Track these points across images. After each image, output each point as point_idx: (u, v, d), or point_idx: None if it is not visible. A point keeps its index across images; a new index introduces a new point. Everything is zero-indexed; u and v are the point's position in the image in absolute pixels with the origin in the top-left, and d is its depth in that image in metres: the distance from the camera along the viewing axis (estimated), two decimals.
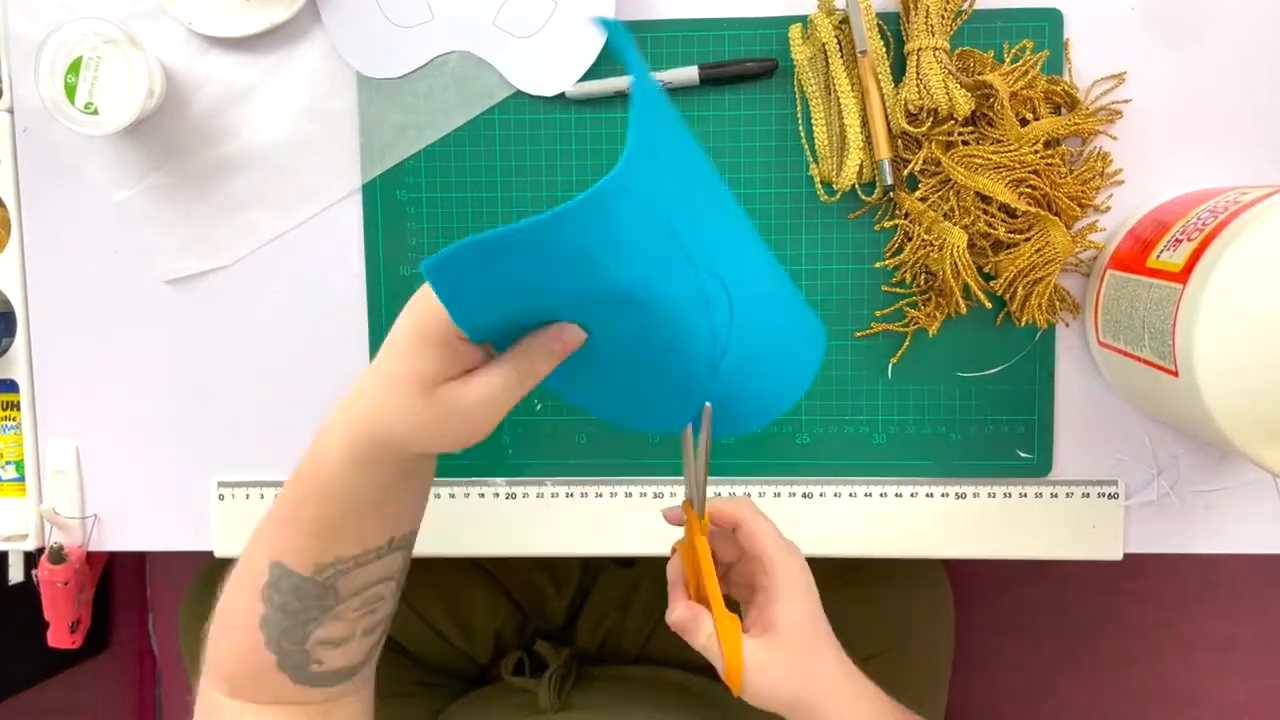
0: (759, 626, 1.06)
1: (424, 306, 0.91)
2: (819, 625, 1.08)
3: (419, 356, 0.91)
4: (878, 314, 1.28)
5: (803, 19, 1.24)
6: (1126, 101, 1.24)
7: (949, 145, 1.22)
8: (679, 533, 1.10)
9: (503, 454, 1.33)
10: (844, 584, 1.57)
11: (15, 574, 1.44)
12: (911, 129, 1.21)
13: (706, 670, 1.60)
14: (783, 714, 1.06)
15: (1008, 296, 1.25)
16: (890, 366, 1.29)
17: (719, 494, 1.32)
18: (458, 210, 1.30)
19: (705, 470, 1.04)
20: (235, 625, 1.04)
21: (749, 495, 1.32)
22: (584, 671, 1.60)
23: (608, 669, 1.63)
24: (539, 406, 1.32)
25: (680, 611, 1.06)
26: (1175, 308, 1.03)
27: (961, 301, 1.24)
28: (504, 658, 1.66)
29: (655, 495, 1.32)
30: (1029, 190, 1.20)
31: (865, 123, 1.23)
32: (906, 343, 1.28)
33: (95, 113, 1.22)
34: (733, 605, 1.07)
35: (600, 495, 1.33)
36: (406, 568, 1.09)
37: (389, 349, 0.94)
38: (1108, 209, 1.25)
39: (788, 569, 1.06)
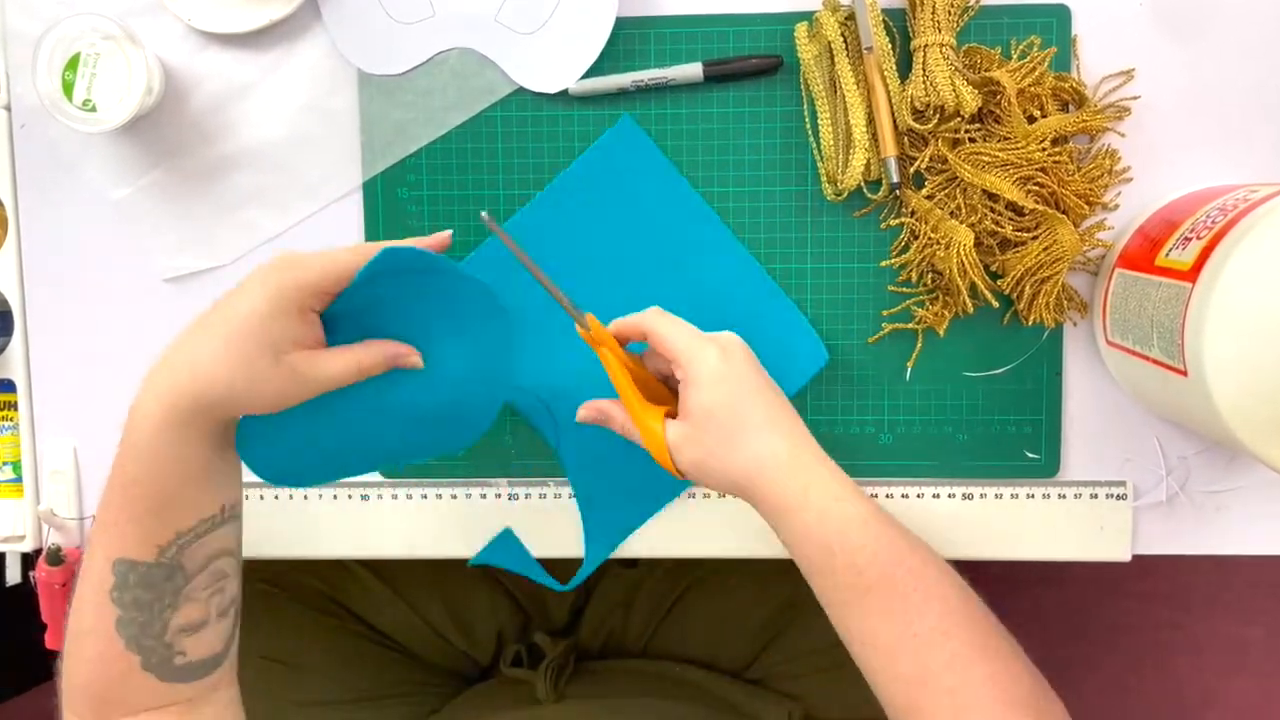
0: (680, 414, 1.12)
1: (283, 277, 0.98)
2: (745, 407, 1.10)
3: (275, 322, 0.98)
4: (885, 314, 1.28)
5: (808, 16, 1.24)
6: (1135, 98, 1.24)
7: (955, 143, 1.22)
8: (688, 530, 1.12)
9: (505, 455, 1.33)
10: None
11: (12, 576, 1.44)
12: (918, 126, 1.21)
13: (707, 663, 1.61)
14: (730, 493, 1.14)
15: (1015, 295, 1.25)
16: (908, 369, 1.29)
17: (706, 494, 1.32)
18: (459, 209, 1.30)
19: (563, 296, 1.10)
20: (90, 638, 1.04)
21: None
22: (582, 665, 1.61)
23: (607, 662, 1.63)
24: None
25: (584, 414, 1.18)
26: (1184, 307, 1.03)
27: (968, 301, 1.24)
28: (499, 663, 1.66)
29: None
30: (1036, 188, 1.20)
31: (871, 120, 1.23)
32: (919, 344, 1.28)
33: (93, 110, 1.22)
34: None
35: None
36: (240, 541, 1.11)
37: (233, 314, 0.99)
38: (1116, 207, 1.25)
39: (698, 360, 1.10)
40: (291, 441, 1.08)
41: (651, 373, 1.19)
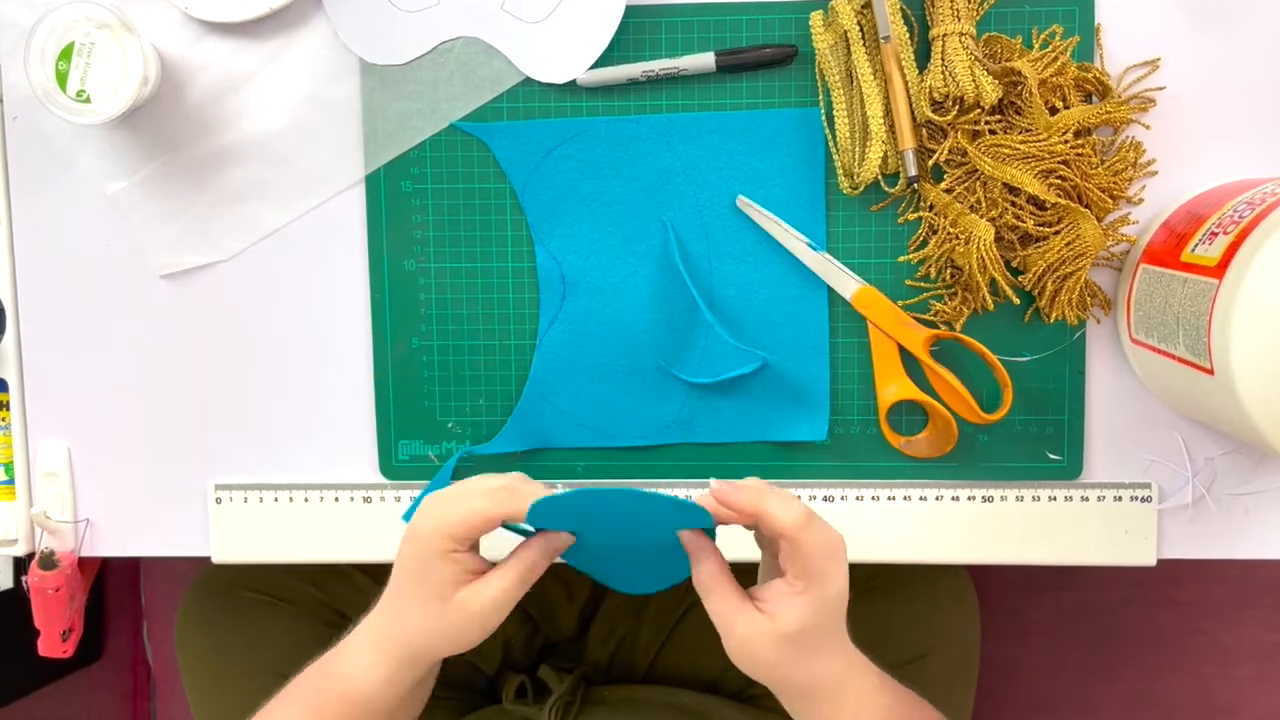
0: (770, 608, 1.09)
1: (419, 531, 1.08)
2: (831, 637, 1.11)
3: (431, 571, 1.07)
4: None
5: (824, 4, 1.25)
6: (1160, 89, 1.24)
7: (975, 135, 1.23)
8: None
9: (511, 455, 1.34)
10: (865, 591, 1.57)
11: (4, 580, 1.44)
12: (936, 118, 1.22)
13: (720, 690, 1.61)
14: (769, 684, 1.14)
15: (1036, 292, 1.25)
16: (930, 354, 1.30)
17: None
18: (464, 202, 1.31)
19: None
20: None
21: None
22: (590, 694, 1.61)
23: (616, 690, 1.64)
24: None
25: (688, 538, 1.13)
26: (1211, 303, 1.03)
27: (988, 297, 1.24)
28: (509, 670, 1.66)
29: None
30: (1058, 181, 1.21)
31: (888, 112, 1.24)
32: (939, 329, 1.29)
33: (88, 101, 1.22)
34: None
35: None
36: None
37: (400, 575, 1.11)
38: (1140, 201, 1.26)
39: (824, 588, 1.08)
40: None
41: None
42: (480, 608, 1.07)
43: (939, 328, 1.28)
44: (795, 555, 1.06)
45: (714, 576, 1.11)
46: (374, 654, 1.13)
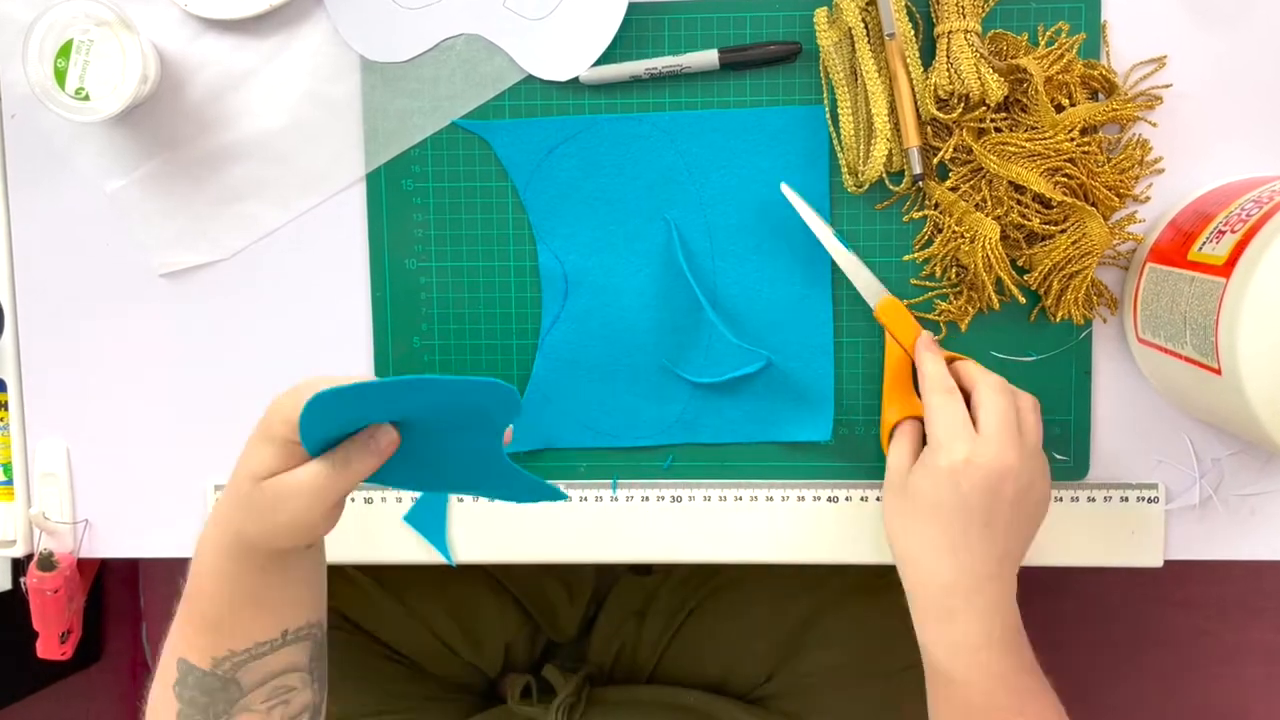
0: (930, 450, 1.17)
1: (273, 411, 1.05)
2: (974, 516, 1.15)
3: (256, 452, 1.03)
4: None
5: (828, 1, 1.25)
6: (1167, 86, 1.24)
7: (981, 132, 1.23)
8: (707, 531, 1.14)
9: (513, 455, 1.34)
10: (871, 592, 1.58)
11: (2, 582, 1.44)
12: (941, 115, 1.22)
13: (726, 692, 1.62)
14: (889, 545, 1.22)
15: (1042, 291, 1.25)
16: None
17: (723, 497, 1.33)
18: (465, 201, 1.31)
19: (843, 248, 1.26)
20: None
21: (772, 499, 1.32)
22: (595, 695, 1.61)
23: (620, 691, 1.64)
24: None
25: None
26: (1218, 302, 1.03)
27: (994, 296, 1.25)
28: (511, 673, 1.67)
29: (674, 499, 1.33)
30: (1065, 179, 1.21)
31: (893, 109, 1.24)
32: (942, 334, 1.29)
33: (86, 99, 1.22)
34: None
35: (615, 499, 1.34)
36: (319, 655, 1.19)
37: (241, 452, 1.06)
38: (1147, 199, 1.26)
39: (988, 449, 1.14)
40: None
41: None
42: (283, 494, 1.01)
43: (941, 328, 1.28)
44: (976, 403, 1.18)
45: (904, 428, 1.25)
46: (214, 547, 1.09)
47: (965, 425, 1.15)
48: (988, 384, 1.18)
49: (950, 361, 1.24)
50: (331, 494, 1.02)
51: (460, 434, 1.07)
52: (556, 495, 1.14)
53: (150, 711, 1.15)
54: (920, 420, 1.23)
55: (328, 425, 1.02)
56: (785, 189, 1.25)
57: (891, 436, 1.25)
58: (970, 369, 1.21)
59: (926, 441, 1.19)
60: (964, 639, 1.14)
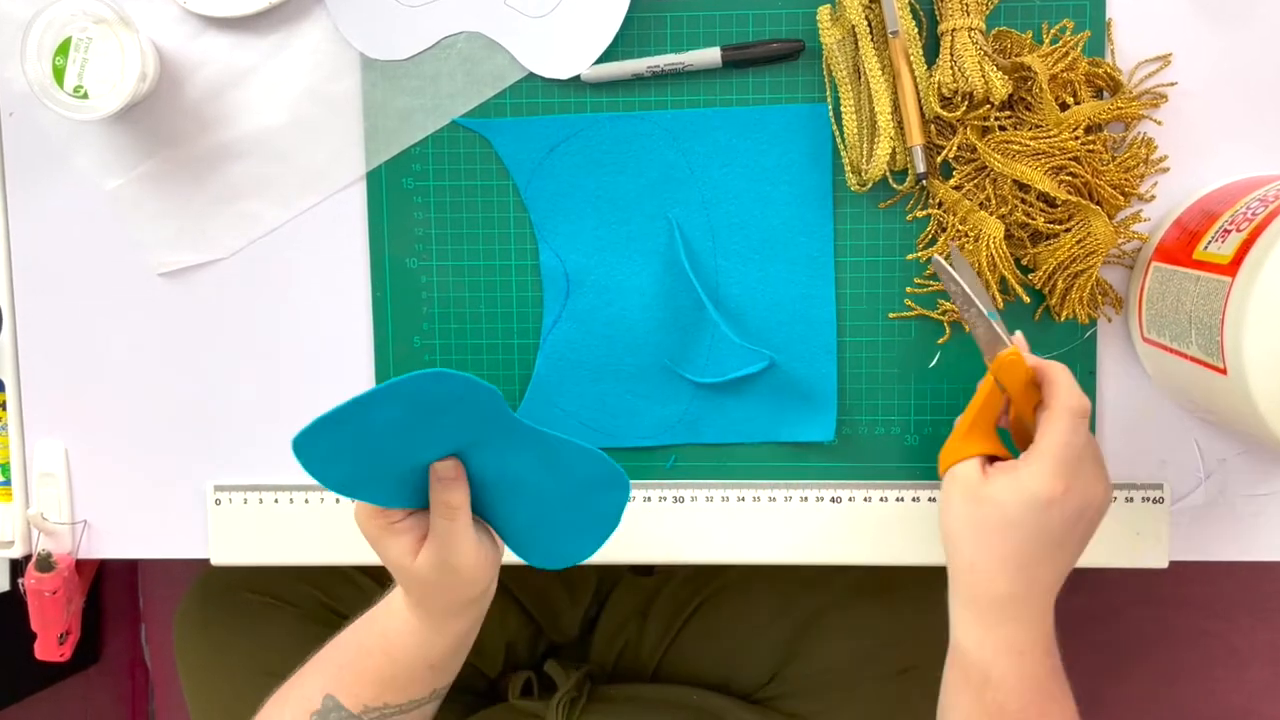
0: (1010, 482, 1.11)
1: (358, 521, 1.12)
2: (1044, 543, 1.11)
3: (383, 551, 1.12)
4: (908, 304, 1.29)
5: None
6: (1172, 85, 1.25)
7: (985, 131, 1.23)
8: (705, 532, 1.13)
9: None
10: (872, 591, 1.57)
11: (1, 583, 1.44)
12: (945, 114, 1.22)
13: (724, 679, 1.61)
14: (944, 545, 1.17)
15: (1047, 290, 1.25)
16: (939, 351, 1.30)
17: (725, 497, 1.33)
18: (466, 199, 1.31)
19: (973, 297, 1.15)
20: None
21: (775, 500, 1.32)
22: (596, 692, 1.61)
23: (622, 688, 1.64)
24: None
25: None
26: (1224, 302, 1.03)
27: (998, 295, 1.25)
28: (513, 673, 1.66)
29: (675, 500, 1.33)
30: (1069, 178, 1.21)
31: (897, 107, 1.24)
32: (948, 333, 1.29)
33: (85, 96, 1.22)
34: None
35: None
36: (433, 715, 1.27)
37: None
38: (1152, 198, 1.26)
39: (1059, 476, 1.09)
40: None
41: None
42: (431, 563, 1.09)
43: (946, 328, 1.28)
44: (1048, 434, 1.12)
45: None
46: (404, 620, 1.16)
47: (1079, 459, 1.10)
48: (1080, 409, 1.12)
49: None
50: (461, 539, 1.09)
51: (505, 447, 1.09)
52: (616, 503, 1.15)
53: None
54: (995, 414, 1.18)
55: (341, 459, 1.05)
56: (937, 261, 1.15)
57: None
58: (1059, 381, 1.14)
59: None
60: (1011, 642, 1.13)
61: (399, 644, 1.17)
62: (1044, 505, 1.08)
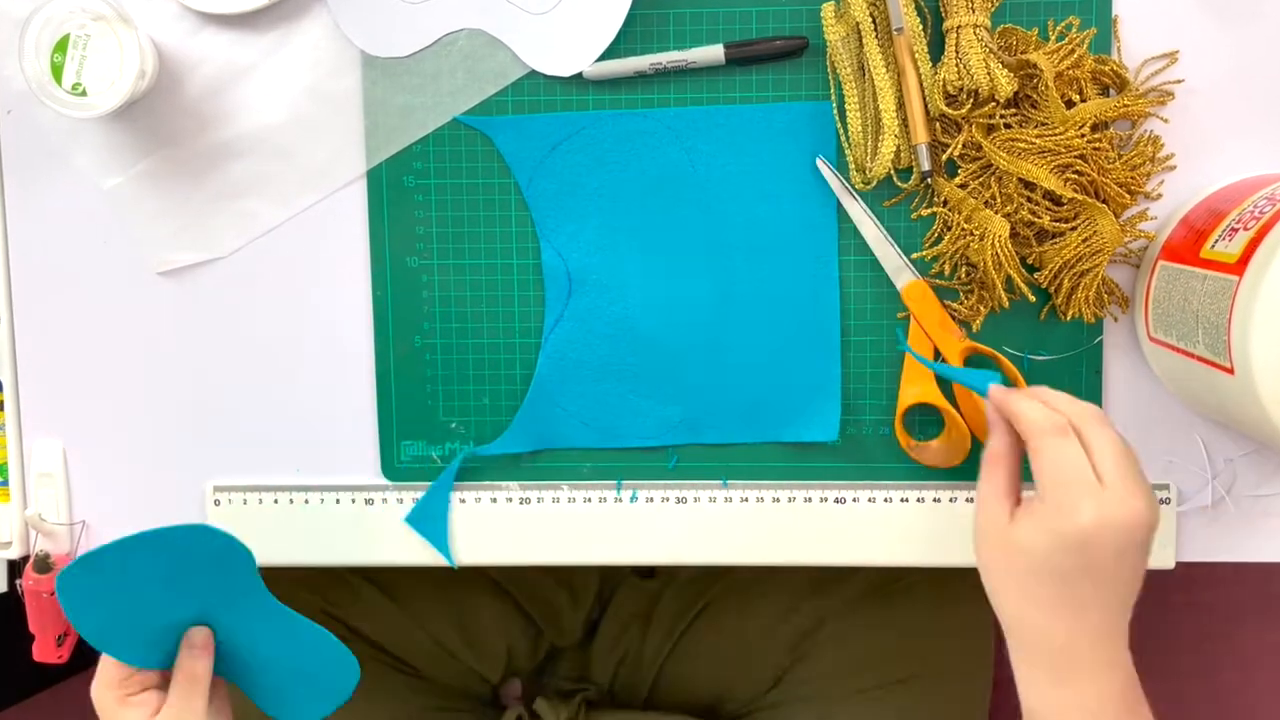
0: (1023, 510, 1.09)
1: (95, 701, 1.20)
2: (1069, 587, 1.05)
3: (117, 715, 1.18)
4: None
5: None
6: (1179, 82, 1.25)
7: (990, 129, 1.23)
8: (706, 535, 1.13)
9: (516, 456, 1.34)
10: (877, 597, 1.58)
11: None
12: (950, 111, 1.22)
13: (727, 704, 1.62)
14: (991, 594, 1.12)
15: (1053, 289, 1.25)
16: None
17: (728, 498, 1.33)
18: (468, 198, 1.31)
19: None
20: None
21: (778, 500, 1.32)
22: (593, 716, 1.61)
23: (618, 716, 1.64)
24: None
25: (997, 395, 1.14)
26: (1231, 301, 1.03)
27: (1004, 295, 1.25)
28: (512, 677, 1.67)
29: (679, 500, 1.33)
30: (1075, 176, 1.21)
31: (901, 105, 1.24)
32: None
33: (83, 94, 1.22)
34: None
35: (620, 500, 1.34)
36: None
37: None
38: (1159, 196, 1.26)
39: (1071, 511, 1.04)
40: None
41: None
42: None
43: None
44: (1041, 472, 1.07)
45: (995, 455, 1.12)
46: None
47: (1088, 476, 1.04)
48: (1092, 419, 1.08)
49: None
50: (196, 710, 1.17)
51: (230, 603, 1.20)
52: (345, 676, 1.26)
53: None
54: (1005, 445, 1.13)
55: (99, 604, 1.14)
56: (821, 162, 1.26)
57: (980, 471, 1.14)
58: (1057, 400, 1.11)
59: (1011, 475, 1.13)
60: (1081, 702, 1.06)
61: None
62: (1077, 542, 1.03)
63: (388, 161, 1.31)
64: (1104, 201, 1.22)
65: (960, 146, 1.24)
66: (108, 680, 1.17)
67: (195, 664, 1.16)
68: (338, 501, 1.35)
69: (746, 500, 1.33)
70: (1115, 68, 1.23)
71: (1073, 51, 1.22)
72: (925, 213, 1.28)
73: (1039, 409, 1.08)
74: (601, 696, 1.69)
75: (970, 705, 1.62)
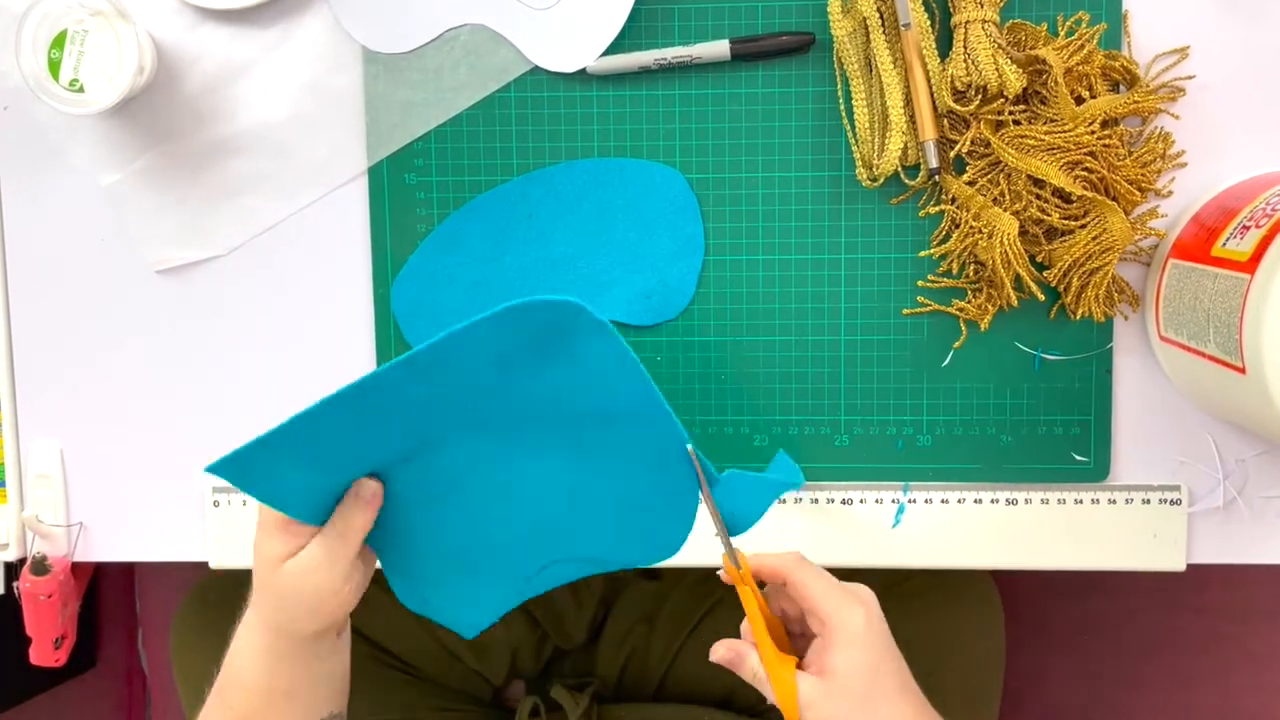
0: (815, 668, 1.10)
1: (258, 520, 1.10)
2: (883, 671, 1.10)
3: (264, 542, 1.08)
4: (921, 285, 1.29)
5: None
6: (1190, 78, 1.25)
7: (999, 125, 1.23)
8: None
9: None
10: (886, 599, 1.57)
11: None
12: (958, 108, 1.22)
13: (736, 701, 1.62)
14: None
15: (1062, 288, 1.25)
16: (950, 354, 1.30)
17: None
18: (470, 195, 1.31)
19: (720, 524, 1.12)
20: None
21: (784, 502, 1.32)
22: (605, 713, 1.61)
23: (632, 710, 1.64)
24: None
25: (721, 653, 1.14)
26: (1242, 299, 1.03)
27: (1012, 293, 1.25)
28: (516, 680, 1.67)
29: None
30: (1085, 173, 1.21)
31: (909, 101, 1.24)
32: (964, 334, 1.29)
33: (81, 90, 1.23)
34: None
35: None
36: None
37: (254, 544, 1.11)
38: (1169, 194, 1.26)
39: (846, 621, 1.09)
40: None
41: (774, 614, 1.16)
42: (295, 570, 1.07)
43: (962, 328, 1.28)
44: (807, 601, 1.11)
45: (757, 666, 1.12)
46: (250, 640, 1.14)
47: (838, 585, 1.12)
48: (798, 559, 1.14)
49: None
50: (339, 562, 1.07)
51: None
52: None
53: None
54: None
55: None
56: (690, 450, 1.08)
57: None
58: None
59: (788, 625, 1.17)
60: None
61: (249, 674, 1.15)
62: (874, 622, 1.12)
63: (389, 158, 1.31)
64: (1114, 199, 1.23)
65: (968, 143, 1.24)
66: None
67: (359, 516, 1.07)
68: None
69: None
70: (1125, 63, 1.23)
71: (1082, 47, 1.22)
72: (933, 210, 1.28)
73: (820, 578, 1.13)
74: (609, 692, 1.69)
75: (981, 705, 1.63)
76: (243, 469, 1.03)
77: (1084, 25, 1.23)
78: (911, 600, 1.58)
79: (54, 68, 1.22)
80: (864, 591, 1.12)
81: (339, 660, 1.19)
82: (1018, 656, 1.81)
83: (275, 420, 1.35)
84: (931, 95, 1.24)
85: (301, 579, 1.07)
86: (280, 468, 1.02)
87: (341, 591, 1.08)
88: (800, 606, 1.13)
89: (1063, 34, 1.24)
